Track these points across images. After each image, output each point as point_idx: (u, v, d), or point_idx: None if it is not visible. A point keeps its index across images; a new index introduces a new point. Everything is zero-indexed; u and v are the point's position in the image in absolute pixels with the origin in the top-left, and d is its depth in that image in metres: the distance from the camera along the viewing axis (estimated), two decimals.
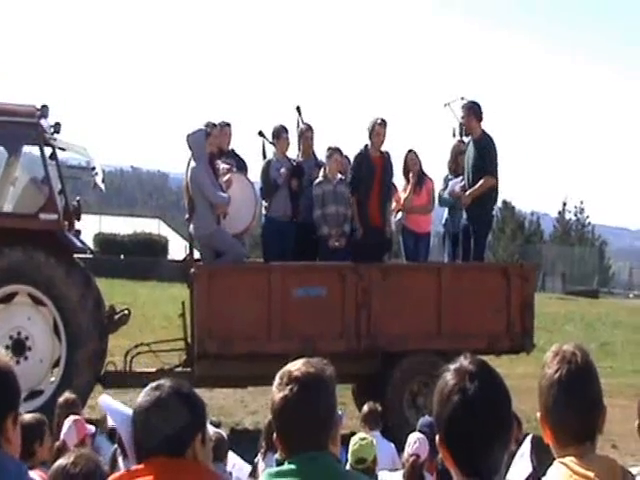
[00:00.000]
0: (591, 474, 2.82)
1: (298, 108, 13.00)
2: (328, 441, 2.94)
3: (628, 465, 3.03)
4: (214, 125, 12.39)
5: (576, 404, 2.91)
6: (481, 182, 12.14)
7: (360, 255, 12.27)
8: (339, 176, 12.42)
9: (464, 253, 12.67)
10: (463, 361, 2.55)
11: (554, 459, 2.97)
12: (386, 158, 12.58)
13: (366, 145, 12.46)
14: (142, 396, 3.01)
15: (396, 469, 7.61)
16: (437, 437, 2.55)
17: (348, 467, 6.48)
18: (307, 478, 2.83)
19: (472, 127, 12.38)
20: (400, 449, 7.94)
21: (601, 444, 3.01)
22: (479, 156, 12.19)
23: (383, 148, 12.54)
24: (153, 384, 3.04)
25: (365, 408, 8.66)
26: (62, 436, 6.81)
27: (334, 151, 12.42)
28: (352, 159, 12.59)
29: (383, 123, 12.42)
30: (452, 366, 2.55)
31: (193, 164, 11.64)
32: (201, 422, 3.12)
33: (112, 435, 7.66)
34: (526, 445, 4.73)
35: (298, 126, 13.00)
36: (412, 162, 12.99)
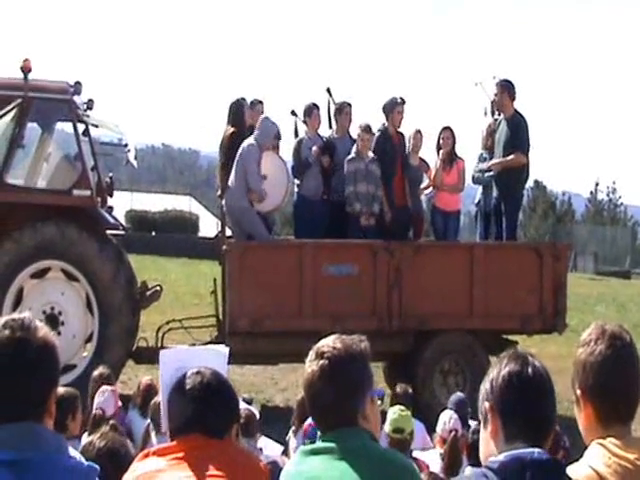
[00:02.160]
0: (631, 456, 2.79)
1: (329, 90, 12.96)
2: (357, 416, 2.93)
3: None
4: (243, 99, 12.43)
5: (626, 382, 2.89)
6: (512, 157, 12.09)
7: (392, 236, 12.23)
8: (371, 154, 12.38)
9: (496, 232, 12.63)
10: (508, 352, 2.74)
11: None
12: (401, 136, 12.62)
13: (385, 125, 12.42)
14: (183, 379, 3.04)
15: (424, 449, 7.62)
16: (486, 404, 2.61)
17: (384, 436, 6.51)
18: (340, 456, 2.84)
19: (505, 105, 12.32)
20: (431, 427, 7.95)
21: (633, 426, 2.99)
22: (511, 134, 12.14)
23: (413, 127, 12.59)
24: (194, 369, 3.07)
25: (397, 389, 8.66)
26: (99, 405, 6.87)
27: (364, 130, 12.37)
28: (375, 141, 12.50)
29: (403, 102, 12.43)
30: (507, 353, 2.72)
31: (250, 141, 11.66)
32: (237, 414, 3.17)
33: (144, 410, 7.74)
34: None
35: (329, 107, 12.98)
36: (445, 140, 12.94)
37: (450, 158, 12.91)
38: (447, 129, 13.06)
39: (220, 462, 2.93)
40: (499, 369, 2.62)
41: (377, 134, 12.48)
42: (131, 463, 3.90)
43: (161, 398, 3.21)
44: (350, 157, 12.22)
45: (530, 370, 2.58)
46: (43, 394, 2.56)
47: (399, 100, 12.44)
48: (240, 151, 11.65)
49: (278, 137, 12.03)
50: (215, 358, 3.27)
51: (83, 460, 2.67)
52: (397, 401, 8.40)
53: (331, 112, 12.97)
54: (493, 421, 2.60)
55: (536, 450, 2.51)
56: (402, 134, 12.69)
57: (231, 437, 3.05)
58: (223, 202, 12.14)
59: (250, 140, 11.68)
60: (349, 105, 12.80)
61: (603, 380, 2.88)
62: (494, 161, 12.31)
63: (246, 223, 11.87)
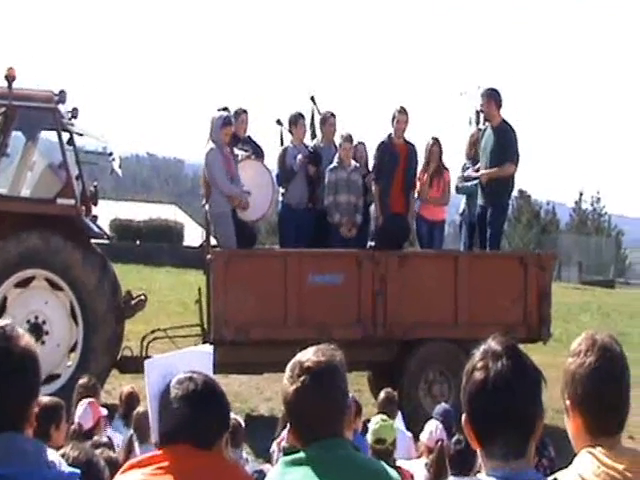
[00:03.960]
0: (620, 467, 2.76)
1: (312, 98, 12.99)
2: (344, 426, 2.94)
3: None
4: (226, 109, 12.40)
5: (616, 394, 2.86)
6: (503, 167, 12.08)
7: (380, 242, 12.28)
8: (354, 164, 12.42)
9: (480, 238, 12.64)
10: (491, 341, 2.52)
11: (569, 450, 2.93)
12: (410, 147, 12.58)
13: (389, 134, 12.48)
14: (174, 385, 2.98)
15: (409, 458, 7.62)
16: (463, 416, 2.51)
17: (367, 447, 6.49)
18: (322, 466, 2.83)
19: (492, 114, 12.30)
20: (415, 437, 7.94)
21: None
22: (499, 144, 12.10)
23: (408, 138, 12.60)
24: (186, 375, 3.01)
25: (382, 395, 8.63)
26: (77, 419, 6.83)
27: (345, 139, 12.42)
28: (375, 147, 12.59)
29: (403, 111, 12.47)
30: (482, 346, 2.52)
31: (208, 146, 11.66)
32: (228, 421, 3.13)
33: (128, 420, 7.71)
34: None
35: (313, 115, 13.00)
36: (434, 153, 12.94)
37: (438, 171, 12.92)
38: (436, 141, 13.05)
39: (206, 474, 2.90)
40: (467, 378, 2.47)
41: (380, 142, 12.53)
42: (103, 473, 3.90)
43: (149, 407, 3.17)
44: (332, 167, 12.24)
45: (498, 381, 2.42)
46: (23, 404, 2.54)
47: (399, 109, 12.48)
48: (204, 161, 11.71)
49: (228, 123, 11.74)
50: (200, 359, 3.23)
51: (64, 466, 2.64)
52: (382, 407, 8.38)
53: (315, 120, 13.00)
54: (470, 435, 2.51)
55: (527, 470, 2.45)
56: (410, 144, 12.68)
57: (220, 447, 3.01)
58: (207, 210, 12.15)
59: (208, 145, 11.68)
60: (333, 115, 12.84)
61: (592, 392, 2.85)
62: (483, 171, 12.28)
63: (219, 226, 11.90)
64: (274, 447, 8.03)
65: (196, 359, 3.21)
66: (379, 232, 12.42)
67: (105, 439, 6.55)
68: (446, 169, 13.11)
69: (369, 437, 6.53)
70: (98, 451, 4.90)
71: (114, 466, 4.67)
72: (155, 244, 34.73)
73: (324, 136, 12.79)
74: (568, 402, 2.91)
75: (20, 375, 2.51)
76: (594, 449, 2.82)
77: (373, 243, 12.56)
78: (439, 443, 6.82)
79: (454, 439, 6.58)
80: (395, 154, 12.41)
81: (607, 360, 2.86)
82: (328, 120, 12.77)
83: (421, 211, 13.05)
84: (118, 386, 12.79)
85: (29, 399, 2.55)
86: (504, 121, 12.28)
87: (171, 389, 2.97)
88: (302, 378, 2.85)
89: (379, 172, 12.42)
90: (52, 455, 2.62)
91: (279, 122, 12.89)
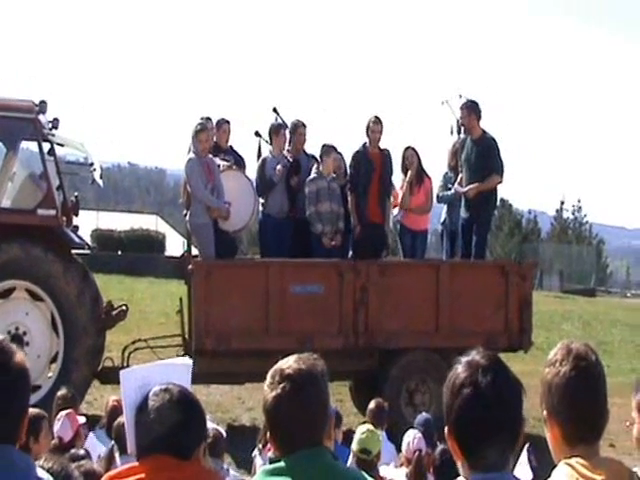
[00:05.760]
0: (598, 478, 2.76)
1: (275, 109, 12.88)
2: (323, 436, 2.92)
3: (630, 466, 2.99)
4: (208, 119, 12.37)
5: (592, 403, 2.87)
6: (489, 180, 12.17)
7: (359, 252, 12.29)
8: (333, 174, 12.41)
9: (464, 250, 12.67)
10: (475, 355, 2.51)
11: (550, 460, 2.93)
12: (385, 155, 12.59)
13: (364, 143, 12.50)
14: (151, 396, 2.99)
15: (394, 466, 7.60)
16: (446, 428, 2.51)
17: (351, 456, 6.48)
18: (303, 475, 2.82)
19: (472, 127, 12.37)
20: (396, 446, 7.94)
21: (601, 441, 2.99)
22: (482, 155, 12.15)
23: (382, 146, 12.60)
24: (161, 386, 3.02)
25: (372, 404, 8.58)
26: (56, 433, 6.79)
27: (330, 149, 12.40)
28: (350, 157, 12.60)
29: (377, 120, 12.49)
30: (464, 359, 2.51)
31: (188, 157, 11.68)
32: (205, 431, 3.13)
33: (110, 431, 7.66)
34: (524, 453, 4.71)
35: None
36: (410, 160, 12.96)
37: (418, 178, 12.92)
38: (410, 148, 13.08)
39: None
40: (454, 392, 2.47)
41: (355, 151, 12.55)
42: None
43: (125, 418, 3.16)
44: (312, 177, 12.23)
45: (488, 396, 2.42)
46: (18, 417, 2.54)
47: (373, 119, 12.51)
48: (184, 173, 11.73)
49: (201, 130, 11.70)
50: (178, 372, 3.22)
51: None
52: (371, 417, 8.34)
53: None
54: (453, 447, 2.52)
55: (506, 475, 2.46)
56: (385, 153, 12.67)
57: (199, 457, 3.01)
58: (187, 220, 12.13)
59: (188, 156, 11.70)
60: (304, 125, 12.79)
61: (568, 402, 2.85)
62: (471, 186, 12.27)
63: (199, 237, 11.91)
64: (256, 452, 7.99)
65: (174, 371, 3.20)
66: (356, 242, 12.43)
67: (82, 451, 6.53)
68: (427, 176, 13.11)
69: (354, 445, 6.49)
70: (79, 463, 4.88)
71: (94, 478, 4.66)
72: (137, 254, 34.64)
73: (293, 146, 12.75)
74: (545, 412, 2.91)
75: (15, 389, 2.51)
76: (572, 460, 2.81)
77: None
78: (417, 453, 6.82)
79: (439, 449, 6.57)
80: (370, 163, 12.43)
81: (582, 369, 2.87)
82: (298, 130, 12.74)
83: (404, 220, 13.05)
84: (99, 397, 12.76)
85: (23, 412, 2.56)
86: (484, 132, 12.35)
87: (147, 400, 2.97)
88: (282, 385, 2.84)
89: (355, 182, 12.42)
90: (41, 472, 2.63)
91: (257, 134, 12.83)
